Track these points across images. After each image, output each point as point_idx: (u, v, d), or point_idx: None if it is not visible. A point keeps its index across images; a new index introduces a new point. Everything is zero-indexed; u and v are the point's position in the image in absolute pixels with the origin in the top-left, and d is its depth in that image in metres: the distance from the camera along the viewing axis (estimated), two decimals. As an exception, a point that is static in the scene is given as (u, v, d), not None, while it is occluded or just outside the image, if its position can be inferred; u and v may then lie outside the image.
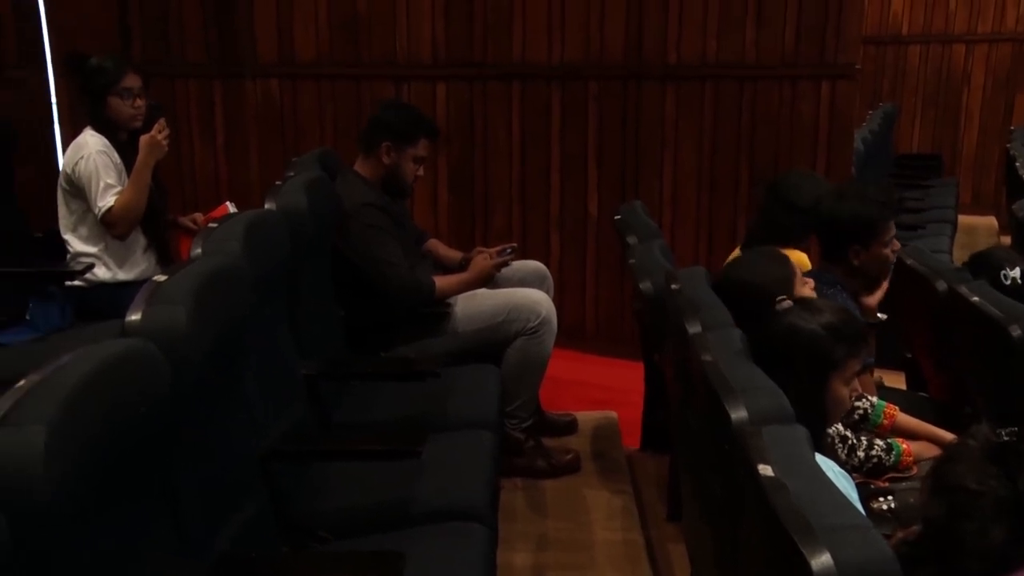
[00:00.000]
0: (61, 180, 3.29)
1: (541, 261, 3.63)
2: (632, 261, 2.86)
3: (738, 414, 1.54)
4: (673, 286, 2.23)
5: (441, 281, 3.17)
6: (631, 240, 3.00)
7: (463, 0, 4.35)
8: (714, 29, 4.11)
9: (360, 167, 3.25)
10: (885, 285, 2.66)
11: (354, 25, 4.46)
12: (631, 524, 2.96)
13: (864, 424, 2.45)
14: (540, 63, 4.34)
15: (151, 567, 1.48)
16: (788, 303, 2.02)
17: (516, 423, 3.16)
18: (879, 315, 2.66)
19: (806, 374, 1.87)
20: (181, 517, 1.61)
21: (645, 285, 2.64)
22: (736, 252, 2.95)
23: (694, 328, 1.93)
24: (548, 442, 3.32)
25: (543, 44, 4.32)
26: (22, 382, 1.28)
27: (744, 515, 1.48)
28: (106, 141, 3.23)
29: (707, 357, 1.76)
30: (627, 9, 4.18)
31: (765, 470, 1.33)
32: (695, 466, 2.04)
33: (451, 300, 3.16)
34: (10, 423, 1.18)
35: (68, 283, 3.27)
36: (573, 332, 4.32)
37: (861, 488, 2.00)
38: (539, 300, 3.14)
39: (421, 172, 3.29)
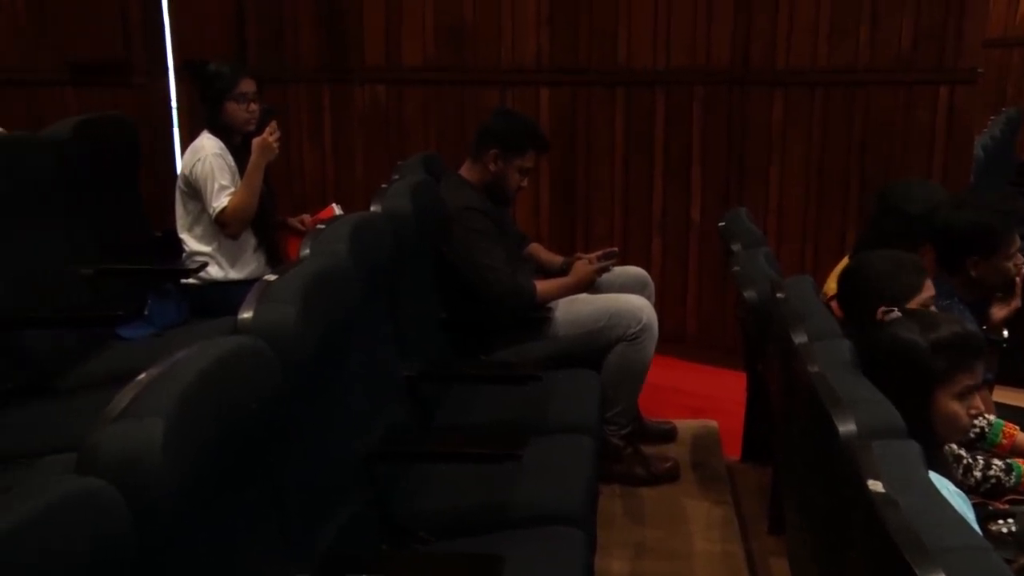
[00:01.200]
0: (179, 182, 3.42)
1: (642, 267, 3.61)
2: (736, 268, 2.81)
3: (846, 427, 1.50)
4: (778, 295, 2.18)
5: (542, 285, 3.18)
6: (735, 247, 2.95)
7: (568, 6, 4.36)
8: (825, 31, 4.02)
9: (466, 171, 3.28)
10: (1017, 303, 2.55)
11: (460, 32, 4.51)
12: (731, 535, 2.91)
13: (980, 443, 2.36)
14: (645, 68, 4.31)
15: (257, 561, 1.52)
16: (896, 313, 1.95)
17: (615, 429, 3.14)
18: (1004, 332, 2.55)
19: (908, 387, 1.81)
20: (285, 513, 1.65)
21: (749, 293, 2.59)
22: (844, 262, 2.88)
23: (800, 338, 1.89)
24: (647, 449, 3.29)
25: (648, 49, 4.29)
26: (142, 376, 1.33)
27: (851, 531, 1.44)
28: (221, 144, 3.34)
29: (814, 368, 1.72)
30: (735, 13, 4.12)
31: (875, 485, 1.29)
32: (799, 479, 1.99)
33: (552, 304, 3.16)
34: (130, 415, 1.23)
35: (183, 281, 3.39)
36: (673, 339, 4.27)
37: (978, 509, 1.92)
38: (640, 306, 3.11)
39: (525, 183, 3.30)
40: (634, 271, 3.50)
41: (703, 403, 3.88)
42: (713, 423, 3.66)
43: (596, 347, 3.10)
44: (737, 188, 4.27)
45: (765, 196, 4.24)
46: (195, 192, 3.34)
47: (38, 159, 3.09)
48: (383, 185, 2.95)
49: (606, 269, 3.28)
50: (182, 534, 1.23)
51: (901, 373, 1.83)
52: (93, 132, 3.42)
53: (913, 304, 2.16)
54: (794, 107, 4.13)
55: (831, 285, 2.71)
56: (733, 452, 3.44)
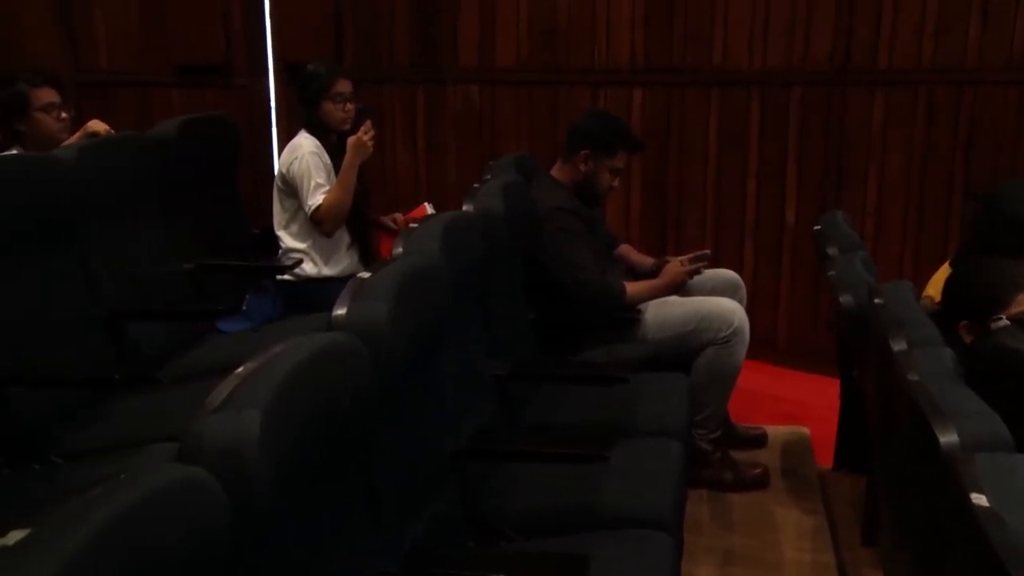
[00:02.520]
0: (277, 180, 3.50)
1: (734, 270, 3.55)
2: (831, 273, 2.75)
3: (948, 438, 1.45)
4: (876, 300, 2.13)
5: (632, 287, 3.16)
6: (831, 251, 2.88)
7: (663, 6, 4.32)
8: (931, 29, 3.89)
9: (557, 172, 3.28)
10: None
11: (553, 32, 4.51)
12: (822, 545, 2.84)
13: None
14: (740, 69, 4.25)
15: (346, 554, 1.55)
16: (1004, 322, 1.88)
17: (704, 433, 3.10)
18: None
19: (1015, 398, 1.74)
20: (375, 508, 1.67)
21: (845, 299, 2.53)
22: (944, 269, 2.78)
23: (899, 345, 1.84)
24: (736, 455, 3.24)
25: (744, 49, 4.23)
26: (240, 369, 1.37)
27: (952, 547, 1.39)
28: (318, 143, 3.41)
29: (913, 376, 1.67)
30: (836, 12, 4.03)
31: (979, 500, 1.25)
32: (896, 490, 1.93)
33: (641, 306, 3.14)
34: (230, 407, 1.27)
35: (279, 277, 3.47)
36: (765, 344, 4.20)
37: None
38: (732, 309, 3.07)
39: (616, 184, 3.29)
40: (726, 274, 3.45)
41: (794, 409, 3.80)
42: (805, 430, 3.58)
43: (686, 350, 3.06)
44: (834, 191, 4.17)
45: (863, 199, 4.13)
46: (292, 190, 3.41)
47: (145, 158, 3.21)
48: (475, 185, 2.97)
49: (697, 272, 3.24)
50: (276, 523, 1.26)
51: (1008, 384, 1.76)
52: (196, 132, 3.53)
53: (1016, 314, 2.08)
54: (896, 107, 4.02)
55: (932, 291, 2.62)
56: (825, 460, 3.36)
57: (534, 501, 2.23)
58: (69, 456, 2.33)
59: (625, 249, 3.63)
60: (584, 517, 2.14)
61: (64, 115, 3.28)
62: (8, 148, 3.23)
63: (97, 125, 3.33)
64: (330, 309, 1.79)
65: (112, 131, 3.37)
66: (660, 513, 2.11)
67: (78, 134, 3.26)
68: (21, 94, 3.22)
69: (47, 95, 3.25)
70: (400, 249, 2.23)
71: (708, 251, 3.39)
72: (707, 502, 3.05)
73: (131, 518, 0.95)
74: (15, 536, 0.87)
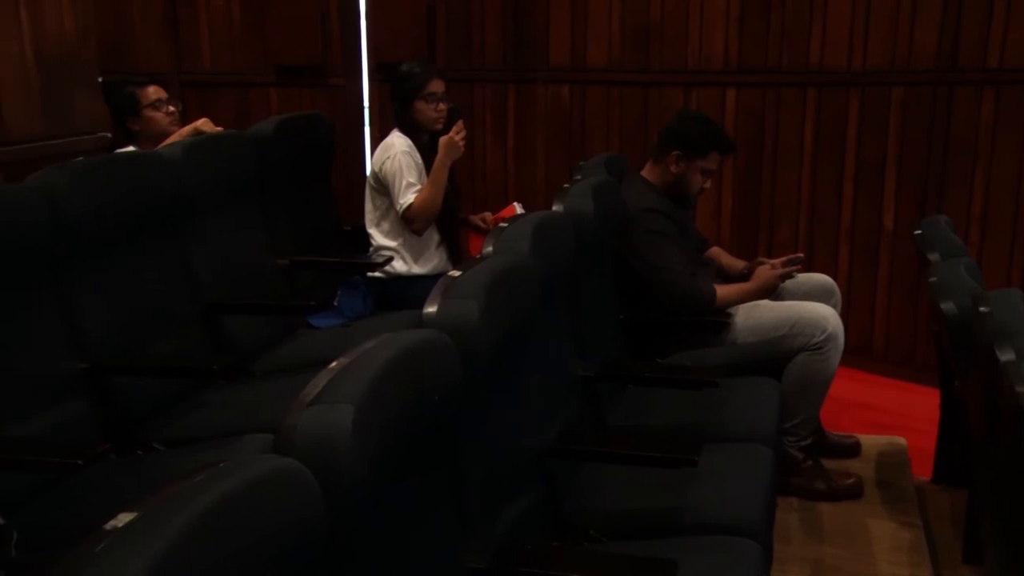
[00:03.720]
0: (369, 178, 3.55)
1: (828, 275, 3.46)
2: (932, 279, 2.66)
3: (1057, 454, 1.39)
4: (982, 308, 2.05)
5: (722, 290, 3.11)
6: (932, 257, 2.79)
7: (759, 3, 4.25)
8: (1047, 24, 3.74)
9: (648, 172, 3.26)
10: None
11: (646, 31, 4.48)
12: (920, 560, 2.75)
13: None
14: (839, 68, 4.15)
15: (434, 547, 1.56)
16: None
17: (794, 441, 3.04)
18: None
19: None
20: (462, 503, 1.69)
21: (947, 306, 2.44)
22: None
23: (1007, 355, 1.76)
24: (828, 464, 3.16)
25: (843, 48, 4.13)
26: (334, 364, 1.39)
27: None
28: (410, 142, 3.45)
29: (1021, 388, 1.60)
30: (943, 8, 3.90)
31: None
32: (1002, 506, 1.86)
33: (732, 310, 3.09)
34: (323, 400, 1.29)
35: (370, 274, 3.52)
36: (860, 351, 4.10)
37: None
38: (825, 315, 3.00)
39: (708, 185, 3.25)
40: (820, 278, 3.37)
41: (890, 419, 3.70)
42: (901, 440, 3.48)
43: (777, 355, 3.01)
44: (936, 195, 4.04)
45: (968, 203, 3.99)
46: (384, 188, 3.46)
47: (243, 156, 3.29)
48: (565, 185, 2.96)
49: (790, 276, 3.18)
50: (367, 516, 1.28)
51: None
52: (293, 130, 3.61)
53: None
54: (1006, 107, 3.86)
55: None
56: (923, 472, 3.26)
57: (620, 503, 2.22)
58: (170, 443, 2.41)
59: (716, 251, 3.58)
60: (671, 521, 2.11)
61: (172, 109, 3.42)
62: (124, 147, 3.37)
63: (206, 125, 3.45)
64: (419, 306, 1.81)
65: (220, 130, 3.49)
66: (749, 520, 2.07)
67: (188, 128, 3.38)
68: (131, 95, 3.37)
69: (154, 92, 3.40)
70: (490, 248, 2.24)
71: (801, 255, 3.32)
72: (797, 511, 2.99)
73: (231, 505, 0.98)
74: (125, 518, 0.90)
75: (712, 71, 4.39)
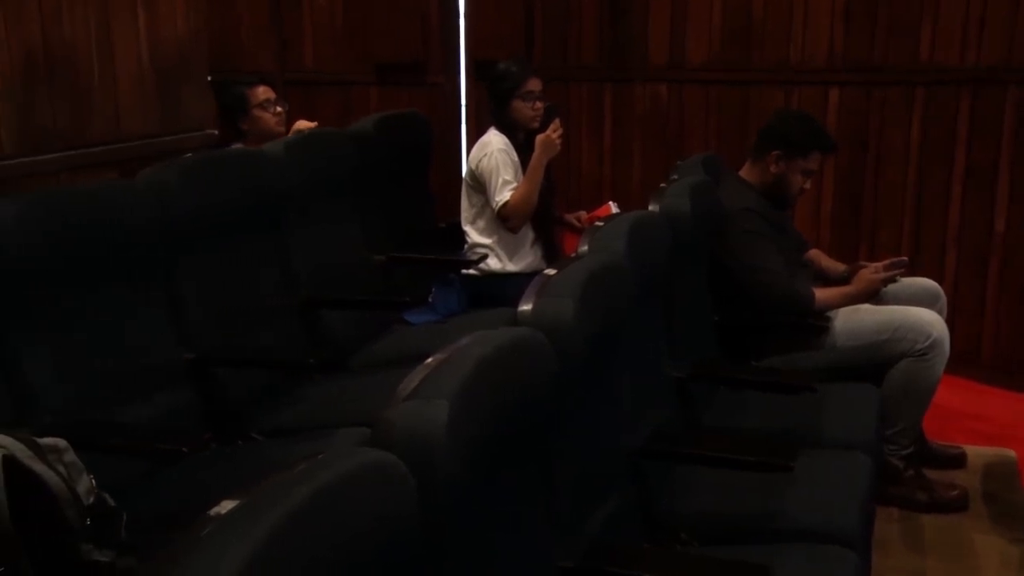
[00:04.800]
0: (466, 176, 3.58)
1: (934, 279, 3.36)
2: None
3: None
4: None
5: (821, 293, 3.04)
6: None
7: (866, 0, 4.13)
8: None
9: (746, 173, 3.20)
10: None
11: (747, 29, 4.40)
12: (1028, 578, 2.65)
13: None
14: (950, 66, 4.01)
15: (525, 545, 1.57)
16: None
17: (895, 449, 2.96)
18: None
19: None
20: (553, 502, 1.69)
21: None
22: None
23: None
24: (930, 474, 3.07)
25: (955, 45, 3.98)
26: (430, 359, 1.41)
27: None
28: (507, 140, 3.47)
29: None
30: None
31: None
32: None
33: (831, 313, 3.02)
34: (419, 396, 1.31)
35: (464, 271, 3.55)
36: (966, 359, 3.95)
37: None
38: (930, 321, 2.90)
39: (808, 185, 3.18)
40: (924, 283, 3.27)
41: (999, 430, 3.56)
42: (1010, 453, 3.34)
43: (877, 361, 2.93)
44: (1052, 198, 3.88)
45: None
46: (480, 186, 3.49)
47: (343, 153, 3.36)
48: (662, 184, 2.94)
49: (892, 280, 3.09)
50: (460, 511, 1.30)
51: None
52: (392, 128, 3.68)
53: None
54: None
55: None
56: (1034, 486, 3.14)
57: (712, 506, 2.19)
58: (268, 434, 2.48)
59: (815, 253, 3.50)
60: (764, 527, 2.08)
61: (279, 109, 3.52)
62: (232, 144, 3.48)
63: (303, 124, 3.53)
64: (512, 304, 1.82)
65: (315, 125, 3.57)
66: (846, 529, 2.02)
67: (290, 135, 3.47)
68: (240, 95, 3.48)
69: (262, 93, 3.50)
70: (585, 247, 2.24)
71: (905, 258, 3.22)
72: (897, 521, 2.90)
73: (329, 496, 1.00)
74: (228, 505, 0.93)
75: (815, 70, 4.29)
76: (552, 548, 1.66)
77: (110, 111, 3.22)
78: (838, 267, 3.38)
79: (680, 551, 2.05)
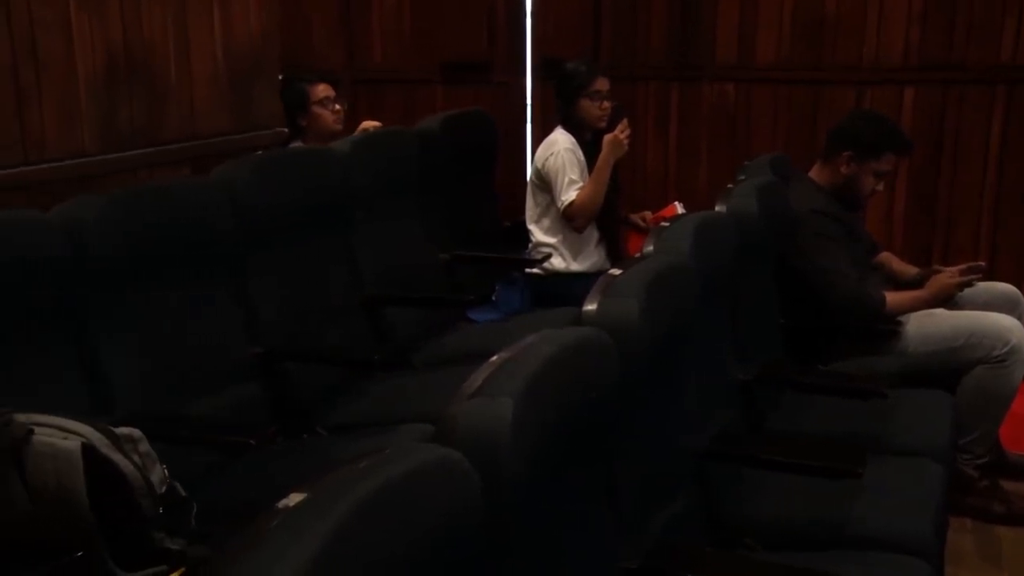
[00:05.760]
0: (531, 175, 3.59)
1: (1013, 284, 3.26)
2: None
3: None
4: None
5: (892, 296, 2.98)
6: None
7: (946, -3, 4.04)
8: None
9: (816, 174, 3.15)
10: None
11: (819, 28, 4.33)
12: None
13: None
14: (1034, 65, 3.90)
15: (587, 544, 1.56)
16: None
17: (969, 458, 2.88)
18: None
19: None
20: (617, 502, 1.68)
21: None
22: None
23: None
24: (1007, 485, 2.98)
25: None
26: (494, 358, 1.41)
27: None
28: (573, 139, 3.47)
29: None
30: None
31: None
32: None
33: (902, 318, 2.96)
34: (484, 394, 1.31)
35: (528, 270, 3.56)
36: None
37: None
38: (1009, 327, 2.82)
39: (880, 187, 3.11)
40: (1002, 288, 3.18)
41: (1079, 441, 3.44)
42: (1092, 465, 3.23)
43: (951, 367, 2.85)
44: None
45: None
46: (546, 185, 3.49)
47: (408, 151, 3.39)
48: (728, 185, 2.91)
49: (968, 284, 3.01)
50: (524, 509, 1.30)
51: None
52: (457, 127, 3.69)
53: None
54: None
55: None
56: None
57: (777, 511, 2.16)
58: (332, 429, 2.51)
59: (886, 257, 3.43)
60: (831, 534, 2.04)
61: (338, 108, 3.55)
62: (292, 142, 3.53)
63: (369, 124, 3.57)
64: (576, 303, 1.81)
65: (379, 124, 3.60)
66: (918, 538, 1.98)
67: (357, 134, 3.51)
68: (301, 92, 3.52)
69: (323, 90, 3.54)
70: (651, 247, 2.22)
71: (982, 263, 3.14)
72: (971, 532, 2.83)
73: (394, 491, 1.01)
74: (296, 498, 0.95)
75: (889, 69, 4.20)
76: (616, 548, 1.65)
77: (185, 109, 3.29)
78: (910, 270, 3.31)
79: (744, 555, 2.02)
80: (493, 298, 3.44)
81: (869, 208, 3.93)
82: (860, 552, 1.96)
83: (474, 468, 1.16)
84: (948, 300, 3.01)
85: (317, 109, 3.52)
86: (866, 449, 2.14)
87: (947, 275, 3.02)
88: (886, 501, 2.11)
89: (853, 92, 4.29)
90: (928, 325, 2.92)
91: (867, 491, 2.10)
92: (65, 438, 1.60)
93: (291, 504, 0.95)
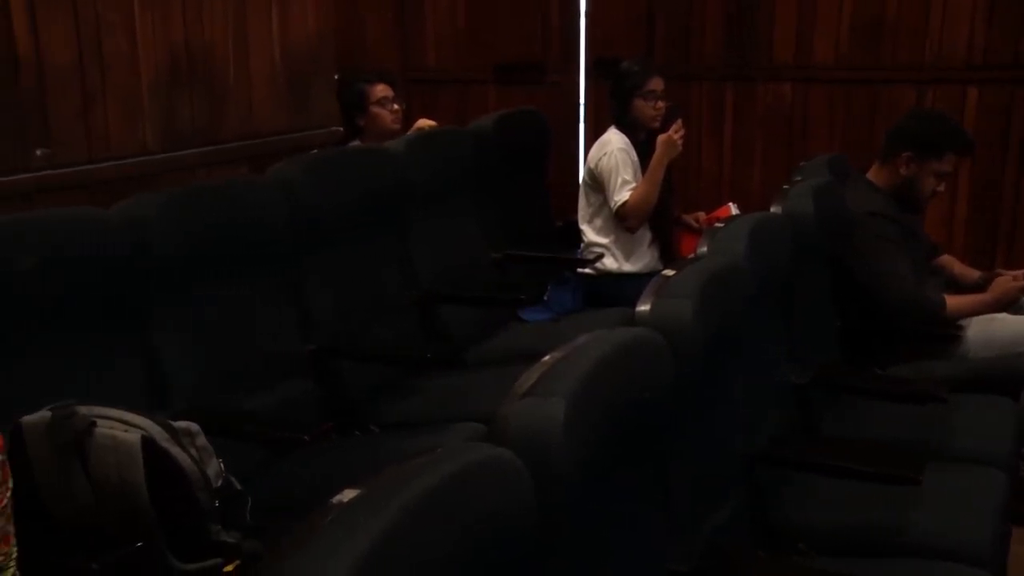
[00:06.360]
0: (584, 175, 3.58)
1: (1079, 289, 3.17)
2: None
3: None
4: None
5: (953, 300, 2.92)
6: None
7: (1011, -7, 3.94)
8: None
9: (874, 175, 3.10)
10: None
11: (879, 26, 4.25)
12: None
13: None
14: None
15: (637, 546, 1.56)
16: None
17: (1031, 467, 2.81)
18: None
19: None
20: (668, 504, 1.67)
21: None
22: None
23: None
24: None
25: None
26: (547, 358, 1.41)
27: None
28: (627, 139, 3.45)
29: None
30: None
31: None
32: None
33: (964, 322, 2.90)
34: (536, 394, 1.31)
35: (580, 271, 3.55)
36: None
37: None
38: (1074, 332, 2.75)
39: (942, 188, 3.05)
40: (1070, 293, 3.10)
41: None
42: None
43: (1015, 373, 2.78)
44: None
45: None
46: (598, 185, 3.48)
47: (462, 151, 3.40)
48: (784, 186, 2.87)
49: (1033, 288, 2.94)
50: (575, 509, 1.29)
51: None
52: (511, 126, 3.70)
53: None
54: None
55: None
56: None
57: (831, 517, 2.13)
58: (384, 427, 2.53)
59: (947, 260, 3.37)
60: (888, 542, 2.00)
61: (396, 107, 3.57)
62: (350, 141, 3.56)
63: (425, 122, 3.59)
64: (628, 304, 1.81)
65: (435, 124, 3.62)
66: (978, 548, 1.93)
67: (411, 132, 3.53)
68: (359, 92, 3.55)
69: (381, 90, 3.56)
70: (705, 248, 2.20)
71: (1049, 266, 3.06)
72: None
73: (447, 490, 1.01)
74: (349, 494, 0.95)
75: (952, 67, 4.11)
76: (665, 550, 1.64)
77: (243, 109, 3.35)
78: (972, 274, 3.24)
79: (797, 561, 1.99)
80: (545, 298, 3.43)
81: (929, 209, 3.85)
82: (917, 560, 1.92)
83: (526, 468, 1.16)
84: (1012, 304, 2.94)
85: (375, 109, 3.55)
86: (926, 455, 2.10)
87: (1010, 278, 2.96)
88: (945, 509, 2.07)
89: (914, 91, 4.20)
90: (990, 330, 2.86)
91: (925, 498, 2.06)
92: (126, 431, 1.64)
93: (345, 500, 0.96)
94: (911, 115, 3.20)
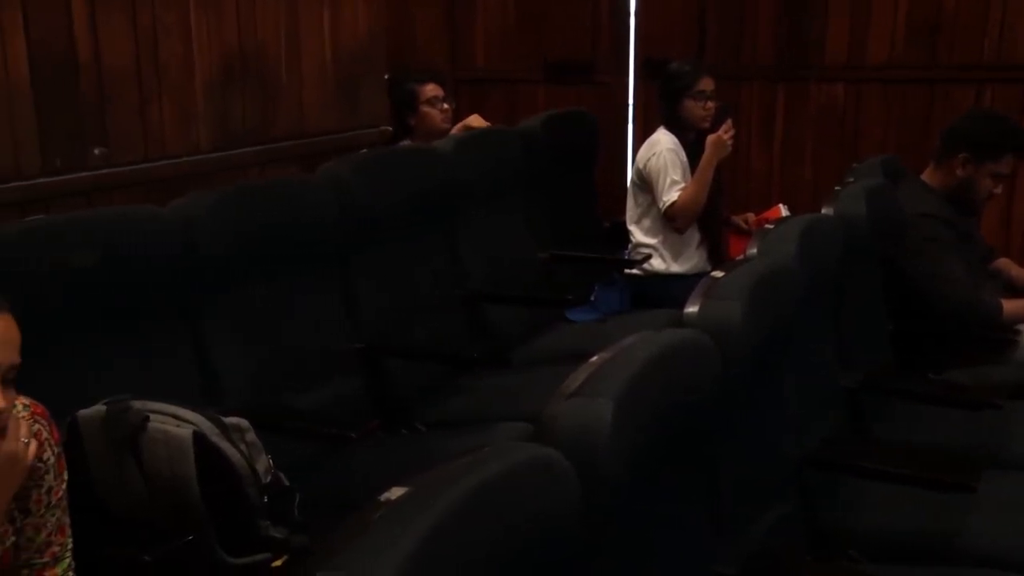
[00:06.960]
0: (633, 175, 3.57)
1: None
2: None
3: None
4: None
5: (1010, 304, 2.86)
6: None
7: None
8: None
9: (928, 176, 3.05)
10: None
11: (936, 24, 4.18)
12: None
13: None
14: None
15: (684, 548, 1.55)
16: None
17: (1090, 476, 2.74)
18: None
19: None
20: (715, 507, 1.66)
21: None
22: None
23: None
24: None
25: None
26: (594, 358, 1.41)
27: None
28: (676, 140, 3.43)
29: None
30: None
31: None
32: None
33: (1020, 327, 2.84)
34: (583, 394, 1.31)
35: (628, 271, 3.53)
36: None
37: None
38: None
39: (999, 190, 2.99)
40: None
41: None
42: None
43: (1073, 380, 2.72)
44: None
45: None
46: (647, 185, 3.46)
47: (511, 150, 3.41)
48: (836, 187, 2.84)
49: (1094, 293, 2.87)
50: (621, 510, 1.29)
51: None
52: (559, 126, 3.70)
53: None
54: None
55: None
56: None
57: (882, 523, 2.09)
58: (431, 425, 2.54)
59: (1003, 263, 3.30)
60: (940, 549, 1.97)
61: (446, 107, 3.59)
62: (400, 140, 3.59)
63: (476, 121, 3.60)
64: (675, 305, 1.80)
65: (489, 125, 3.63)
66: (1033, 557, 1.89)
67: (458, 126, 3.54)
68: (410, 91, 3.57)
69: (431, 90, 3.58)
70: (755, 249, 2.18)
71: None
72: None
73: (494, 489, 1.02)
74: (398, 492, 0.96)
75: (1013, 66, 4.02)
76: (712, 552, 1.63)
77: (294, 109, 3.39)
78: (1030, 278, 3.17)
79: (847, 567, 1.97)
80: (592, 298, 3.43)
81: (985, 212, 3.78)
82: (970, 569, 1.89)
83: (572, 468, 1.16)
84: (1071, 310, 2.88)
85: (426, 108, 3.57)
86: (982, 461, 2.06)
87: (1069, 283, 2.89)
88: (999, 517, 2.02)
89: (972, 91, 4.12)
90: (1049, 334, 2.80)
91: (979, 505, 2.02)
92: (178, 426, 1.67)
93: (393, 498, 0.96)
94: (968, 115, 3.14)
